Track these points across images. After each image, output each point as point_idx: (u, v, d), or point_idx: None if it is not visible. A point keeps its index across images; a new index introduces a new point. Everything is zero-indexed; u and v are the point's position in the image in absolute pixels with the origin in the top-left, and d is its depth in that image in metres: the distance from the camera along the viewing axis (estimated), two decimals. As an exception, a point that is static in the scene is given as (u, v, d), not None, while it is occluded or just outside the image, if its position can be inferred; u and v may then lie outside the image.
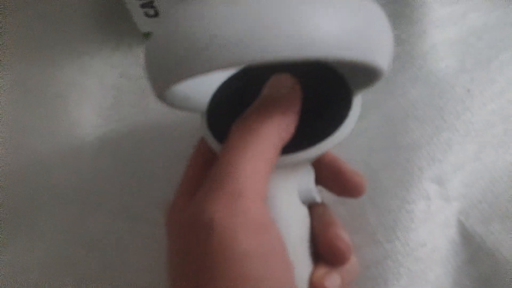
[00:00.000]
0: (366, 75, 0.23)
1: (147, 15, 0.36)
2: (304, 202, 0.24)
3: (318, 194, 0.25)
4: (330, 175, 0.25)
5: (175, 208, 0.25)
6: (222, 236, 0.19)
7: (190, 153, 0.34)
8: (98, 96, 0.37)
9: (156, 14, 0.36)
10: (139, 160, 0.35)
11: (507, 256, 0.28)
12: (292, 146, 0.22)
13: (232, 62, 0.17)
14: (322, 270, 0.23)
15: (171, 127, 0.35)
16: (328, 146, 0.23)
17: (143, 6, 0.35)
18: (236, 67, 0.20)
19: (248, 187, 0.20)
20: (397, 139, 0.32)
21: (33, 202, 0.34)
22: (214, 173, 0.21)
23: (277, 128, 0.21)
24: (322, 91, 0.24)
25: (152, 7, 0.36)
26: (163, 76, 0.19)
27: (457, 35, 0.35)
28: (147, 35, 0.39)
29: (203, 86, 0.26)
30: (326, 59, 0.17)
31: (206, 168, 0.25)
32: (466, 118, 0.32)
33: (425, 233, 0.29)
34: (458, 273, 0.28)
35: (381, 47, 0.19)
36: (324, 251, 0.23)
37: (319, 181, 0.26)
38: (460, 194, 0.30)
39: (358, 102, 0.24)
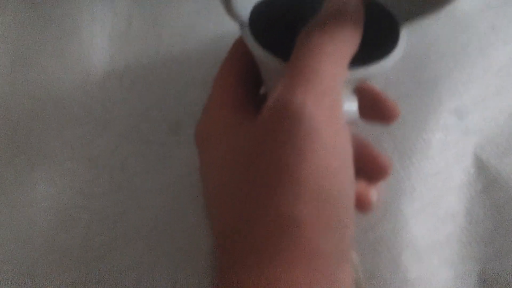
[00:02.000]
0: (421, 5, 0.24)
1: None
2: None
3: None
4: (367, 101, 0.27)
5: (214, 119, 0.25)
6: (311, 127, 0.20)
7: (199, 79, 0.34)
8: (109, 20, 0.37)
9: None
10: (148, 84, 0.35)
11: (520, 188, 0.29)
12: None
13: None
14: (363, 183, 0.26)
15: (181, 53, 0.35)
16: (381, 69, 0.24)
17: None
18: None
19: (333, 87, 0.21)
20: (417, 73, 0.32)
21: (41, 120, 0.34)
22: (296, 71, 0.21)
23: (352, 38, 0.22)
24: (372, 20, 0.24)
25: None
26: None
27: (484, -26, 0.35)
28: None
29: None
30: None
31: (243, 80, 0.26)
32: (489, 54, 0.32)
33: (441, 162, 0.30)
34: (471, 202, 0.29)
35: None
36: (367, 166, 0.26)
37: None
38: (478, 128, 0.31)
39: (404, 34, 0.26)
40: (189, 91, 0.34)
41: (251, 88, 0.26)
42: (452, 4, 0.24)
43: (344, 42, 0.22)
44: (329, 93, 0.21)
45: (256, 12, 0.26)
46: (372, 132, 0.30)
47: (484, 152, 0.30)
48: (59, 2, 0.38)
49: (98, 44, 0.36)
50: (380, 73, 0.24)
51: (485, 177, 0.29)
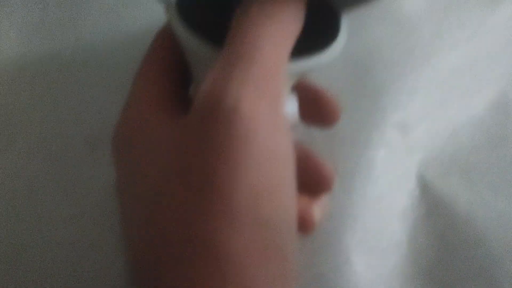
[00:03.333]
0: None
1: None
2: None
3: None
4: (307, 99, 0.24)
5: (135, 118, 0.22)
6: (248, 129, 0.17)
7: (124, 82, 0.31)
8: (21, 10, 0.33)
9: None
10: (65, 88, 0.31)
11: (464, 211, 0.28)
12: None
13: None
14: (304, 199, 0.24)
15: (105, 51, 0.33)
16: (324, 60, 0.22)
17: None
18: None
19: (275, 75, 0.19)
20: (360, 82, 0.31)
21: None
22: (230, 56, 0.18)
23: (295, 18, 0.20)
24: (310, 7, 0.22)
25: None
26: None
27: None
28: None
29: None
30: None
31: (169, 74, 0.23)
32: (433, 63, 0.31)
33: (384, 185, 0.29)
34: (415, 229, 0.28)
35: None
36: (308, 178, 0.23)
37: None
38: (422, 145, 0.30)
39: (345, 24, 0.24)
40: (111, 98, 0.31)
41: (178, 86, 0.23)
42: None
43: (287, 22, 0.19)
44: (270, 83, 0.18)
45: None
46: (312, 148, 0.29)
47: (428, 171, 0.30)
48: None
49: (6, 38, 0.33)
50: (324, 65, 0.22)
51: (429, 199, 0.29)
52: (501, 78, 0.31)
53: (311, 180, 0.24)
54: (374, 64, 0.31)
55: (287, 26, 0.20)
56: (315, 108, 0.25)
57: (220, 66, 0.18)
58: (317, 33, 0.23)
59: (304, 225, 0.23)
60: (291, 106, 0.23)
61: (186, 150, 0.18)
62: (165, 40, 0.23)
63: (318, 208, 0.24)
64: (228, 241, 0.17)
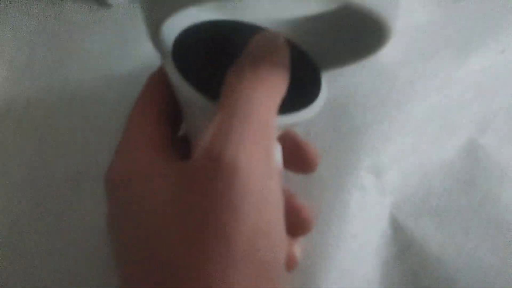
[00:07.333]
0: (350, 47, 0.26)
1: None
2: None
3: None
4: (289, 149, 0.27)
5: (133, 160, 0.23)
6: (245, 182, 0.20)
7: (107, 121, 0.33)
8: (10, 49, 0.35)
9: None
10: (51, 127, 0.33)
11: (435, 251, 0.30)
12: None
13: None
14: (287, 238, 0.25)
15: (92, 92, 0.34)
16: (307, 115, 0.25)
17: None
18: None
19: (267, 134, 0.21)
20: (337, 125, 0.33)
21: None
22: (227, 117, 0.21)
23: (282, 81, 0.23)
24: (294, 67, 0.25)
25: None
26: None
27: (403, 28, 0.37)
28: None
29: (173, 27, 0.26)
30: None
31: (163, 116, 0.25)
32: (407, 110, 0.34)
33: (358, 225, 0.31)
34: (387, 268, 0.30)
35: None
36: (290, 220, 0.25)
37: None
38: (395, 187, 0.32)
39: (325, 79, 0.27)
40: (94, 137, 0.33)
41: (171, 126, 0.26)
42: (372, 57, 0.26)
43: (275, 85, 0.22)
44: (263, 141, 0.21)
45: (180, 41, 0.25)
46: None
47: (401, 212, 0.32)
48: None
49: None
50: (307, 119, 0.25)
51: (401, 239, 0.31)
52: (470, 125, 0.34)
53: (293, 222, 0.26)
54: (350, 108, 0.33)
55: (277, 88, 0.22)
56: (297, 157, 0.28)
57: (218, 124, 0.21)
58: (299, 88, 0.26)
59: (288, 263, 0.25)
60: (276, 154, 0.25)
61: (188, 197, 0.20)
62: (158, 82, 0.26)
63: (299, 248, 0.27)
64: (228, 279, 0.19)
